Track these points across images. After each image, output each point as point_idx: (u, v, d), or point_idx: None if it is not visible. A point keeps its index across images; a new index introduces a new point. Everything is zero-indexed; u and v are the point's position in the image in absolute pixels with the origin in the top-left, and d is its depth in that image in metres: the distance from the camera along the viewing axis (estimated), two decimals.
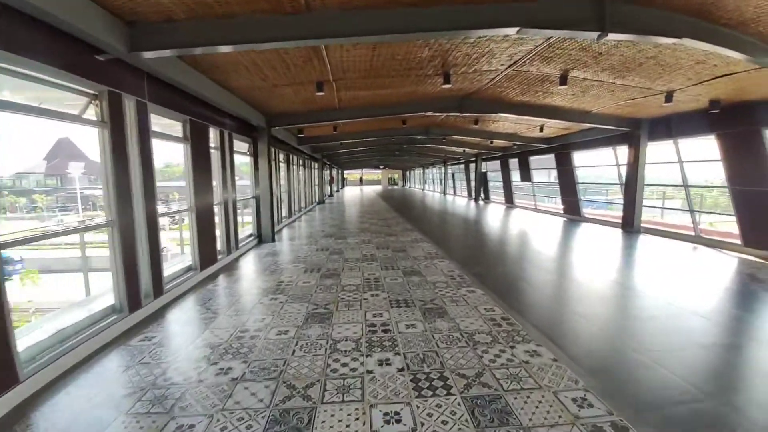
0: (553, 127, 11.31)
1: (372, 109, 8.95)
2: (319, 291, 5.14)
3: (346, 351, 3.39)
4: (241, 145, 8.54)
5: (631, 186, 10.18)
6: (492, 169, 21.70)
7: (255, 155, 9.08)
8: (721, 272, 6.45)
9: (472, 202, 22.05)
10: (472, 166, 23.26)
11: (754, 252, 7.18)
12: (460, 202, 22.43)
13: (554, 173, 14.80)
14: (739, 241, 7.58)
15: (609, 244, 8.91)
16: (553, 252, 8.26)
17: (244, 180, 9.44)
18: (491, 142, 15.67)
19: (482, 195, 22.88)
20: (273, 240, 9.00)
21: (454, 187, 30.37)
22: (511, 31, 3.95)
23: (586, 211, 13.35)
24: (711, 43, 4.17)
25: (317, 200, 21.15)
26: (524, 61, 5.94)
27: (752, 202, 7.23)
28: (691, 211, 8.91)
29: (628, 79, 6.58)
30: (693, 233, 8.85)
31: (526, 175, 17.22)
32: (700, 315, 4.36)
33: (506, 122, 11.39)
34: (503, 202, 20.06)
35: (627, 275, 6.39)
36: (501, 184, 20.15)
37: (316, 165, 21.39)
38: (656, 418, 2.46)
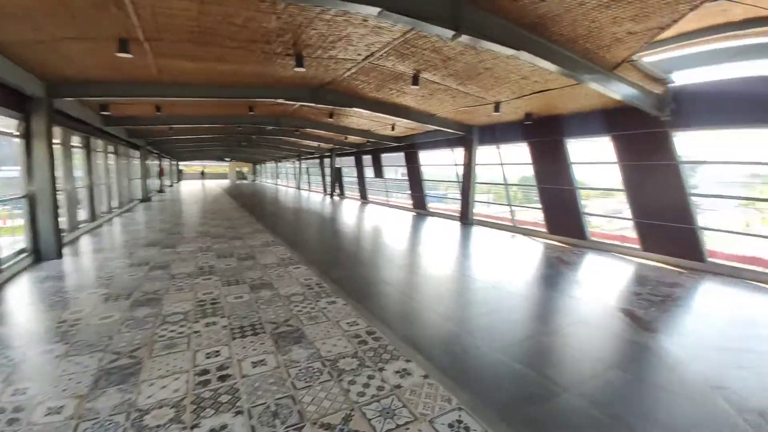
0: (403, 126, 11.83)
1: (208, 88, 7.37)
2: (125, 329, 3.69)
3: (157, 427, 2.32)
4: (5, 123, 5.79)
5: (466, 184, 11.53)
6: (347, 164, 21.86)
7: (28, 136, 6.30)
8: (540, 256, 7.73)
9: (328, 198, 21.80)
10: (328, 161, 22.97)
11: (556, 238, 8.99)
12: (315, 199, 21.86)
13: (403, 170, 15.76)
14: (545, 230, 9.36)
15: (450, 236, 9.78)
16: (407, 247, 8.52)
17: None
18: (346, 138, 15.57)
19: (337, 191, 22.88)
20: (59, 255, 6.46)
21: (309, 183, 29.61)
22: (373, 11, 3.50)
23: (432, 205, 14.66)
24: (541, 57, 4.65)
25: (140, 197, 17.12)
26: (381, 54, 5.69)
27: (554, 198, 8.99)
28: (510, 205, 10.67)
29: (468, 87, 7.14)
30: (511, 224, 10.58)
31: (378, 172, 17.89)
32: (523, 296, 4.94)
33: (361, 118, 11.31)
34: (358, 197, 20.46)
35: (469, 266, 6.94)
36: (356, 179, 20.48)
37: (138, 154, 17.28)
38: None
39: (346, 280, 5.45)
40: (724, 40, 5.99)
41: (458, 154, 12.07)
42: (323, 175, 25.20)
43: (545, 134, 8.86)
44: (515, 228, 10.38)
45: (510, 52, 4.46)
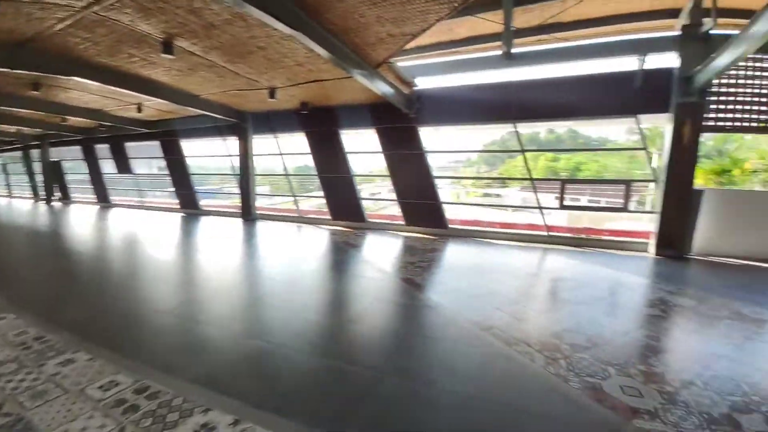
0: (155, 108, 9.55)
1: None
2: None
3: None
4: None
5: (244, 176, 10.58)
6: (72, 157, 16.05)
7: None
8: (328, 243, 7.92)
9: (43, 205, 15.47)
10: (37, 153, 16.25)
11: (341, 223, 9.51)
12: (22, 207, 15.09)
13: (161, 163, 12.95)
14: (329, 217, 9.74)
15: (232, 236, 8.77)
16: (180, 256, 6.99)
17: None
18: (63, 120, 11.29)
19: (57, 193, 16.61)
20: None
21: (9, 185, 20.30)
22: None
23: (207, 203, 12.73)
24: (317, 42, 4.50)
25: None
26: (113, 3, 4.13)
27: (335, 185, 9.42)
28: (294, 196, 10.55)
29: (238, 66, 6.33)
30: (296, 214, 10.51)
31: (123, 166, 14.03)
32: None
33: (87, 93, 8.31)
34: (94, 200, 15.49)
35: (260, 266, 6.34)
36: (88, 177, 15.37)
37: None
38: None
39: (90, 322, 3.83)
40: (450, 54, 7.66)
41: (233, 143, 10.87)
42: (30, 174, 17.77)
43: (321, 124, 9.11)
44: (301, 219, 10.38)
45: (287, 30, 4.10)
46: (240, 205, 10.86)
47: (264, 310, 4.37)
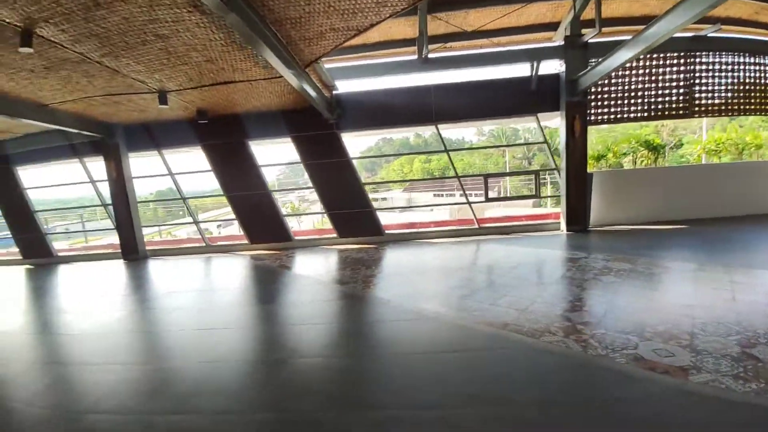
0: None
1: None
2: None
3: None
4: None
5: (121, 205, 8.40)
6: None
7: None
8: (257, 272, 6.81)
9: None
10: None
11: (262, 246, 8.33)
12: None
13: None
14: (246, 240, 8.45)
15: (131, 281, 6.86)
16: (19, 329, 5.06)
17: None
18: None
19: None
20: None
21: None
22: None
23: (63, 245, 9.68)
24: (254, 32, 3.76)
25: None
26: None
27: (249, 205, 8.21)
28: (196, 222, 8.84)
29: (121, 62, 4.91)
30: (202, 243, 8.83)
31: None
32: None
33: None
34: None
35: (173, 321, 5.02)
36: None
37: None
38: None
39: None
40: (364, 58, 7.48)
41: (97, 165, 8.50)
42: None
43: (225, 135, 7.85)
44: (208, 248, 8.76)
45: (217, 12, 3.28)
46: (119, 241, 8.57)
47: (184, 383, 3.38)
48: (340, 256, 7.15)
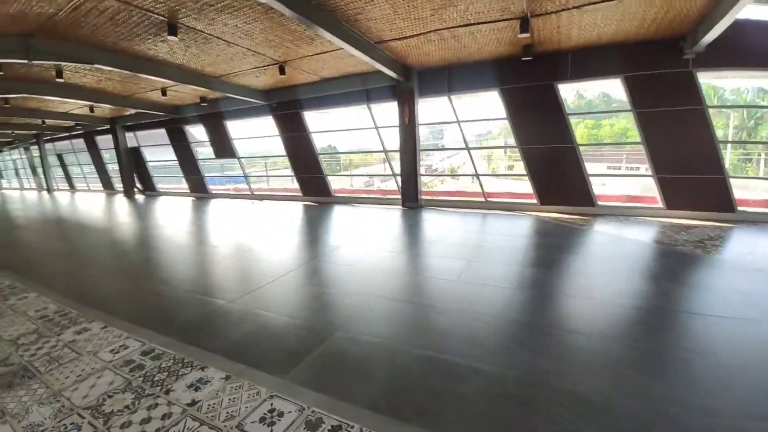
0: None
1: None
2: None
3: None
4: None
5: (408, 152, 8.31)
6: (153, 142, 14.32)
7: None
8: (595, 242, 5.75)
9: (124, 197, 13.90)
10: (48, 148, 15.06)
11: (550, 208, 7.35)
12: (105, 202, 13.53)
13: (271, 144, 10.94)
14: (535, 201, 7.60)
15: (396, 223, 6.70)
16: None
17: None
18: (92, 110, 11.18)
19: (137, 185, 15.03)
20: None
21: (69, 178, 19.16)
22: None
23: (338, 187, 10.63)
24: None
25: None
26: None
27: (547, 160, 7.19)
28: (477, 176, 8.43)
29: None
30: (481, 198, 8.35)
31: (222, 148, 11.93)
32: None
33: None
34: (187, 191, 13.75)
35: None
36: (175, 164, 13.60)
37: None
38: None
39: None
40: None
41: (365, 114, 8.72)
42: (97, 164, 16.39)
43: (537, 77, 6.85)
44: (487, 203, 8.23)
45: None
46: (401, 189, 8.76)
47: None
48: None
